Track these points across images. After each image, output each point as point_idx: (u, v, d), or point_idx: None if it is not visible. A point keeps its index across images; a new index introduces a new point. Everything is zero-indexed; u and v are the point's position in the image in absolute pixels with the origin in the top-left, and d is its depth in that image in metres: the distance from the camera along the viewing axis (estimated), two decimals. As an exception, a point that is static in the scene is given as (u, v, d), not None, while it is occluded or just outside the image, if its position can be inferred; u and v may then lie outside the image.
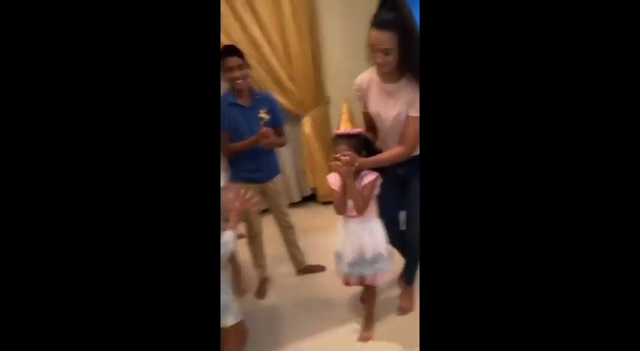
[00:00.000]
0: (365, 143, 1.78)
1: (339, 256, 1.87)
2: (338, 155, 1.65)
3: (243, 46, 2.77)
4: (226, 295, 1.47)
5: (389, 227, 1.92)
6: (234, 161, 2.13)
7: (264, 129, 1.99)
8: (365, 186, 1.74)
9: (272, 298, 2.34)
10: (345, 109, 1.78)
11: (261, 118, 2.01)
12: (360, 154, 1.70)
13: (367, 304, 2.02)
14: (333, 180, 1.77)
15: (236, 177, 2.13)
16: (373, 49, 1.57)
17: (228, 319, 1.47)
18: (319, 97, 3.20)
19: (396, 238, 1.99)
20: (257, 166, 2.17)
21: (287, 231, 2.41)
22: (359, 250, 1.80)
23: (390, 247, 1.88)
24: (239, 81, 2.04)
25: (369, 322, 1.97)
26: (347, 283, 1.90)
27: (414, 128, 1.67)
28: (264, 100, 2.14)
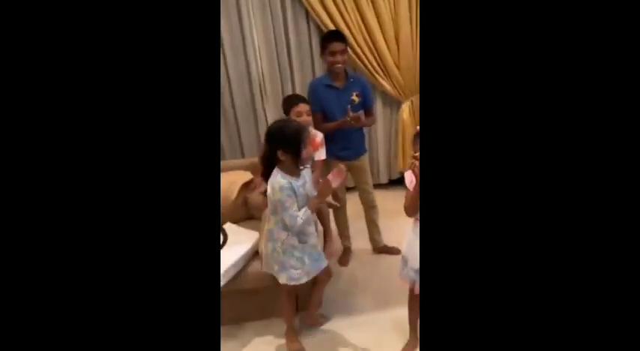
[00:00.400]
0: None
1: (404, 261, 1.76)
2: (417, 154, 1.53)
3: (358, 30, 2.91)
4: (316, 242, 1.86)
5: None
6: (328, 139, 2.30)
7: (352, 114, 2.12)
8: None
9: (353, 266, 2.54)
10: None
11: (352, 101, 2.17)
12: None
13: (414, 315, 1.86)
14: (409, 179, 1.62)
15: (328, 154, 2.30)
16: None
17: (323, 262, 1.88)
18: (418, 86, 3.24)
19: None
20: (346, 144, 2.34)
21: (370, 209, 2.57)
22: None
23: None
24: (339, 65, 2.20)
25: (413, 339, 1.87)
26: (413, 290, 1.76)
27: None
28: (356, 83, 2.30)
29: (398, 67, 3.11)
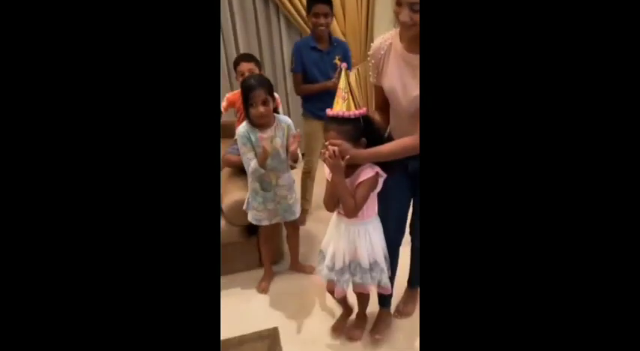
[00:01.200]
0: (367, 129, 1.43)
1: (323, 257, 1.65)
2: (327, 142, 1.38)
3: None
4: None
5: (395, 231, 1.67)
6: (307, 99, 2.47)
7: (336, 76, 2.22)
8: (360, 184, 1.43)
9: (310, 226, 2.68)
10: (344, 82, 1.38)
11: (336, 65, 2.29)
12: (356, 143, 1.40)
13: (359, 309, 1.85)
14: (327, 170, 1.45)
15: (307, 112, 2.48)
16: (399, 2, 1.24)
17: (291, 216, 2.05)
18: (365, 54, 3.39)
19: (397, 241, 1.73)
20: (325, 105, 2.44)
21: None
22: (352, 256, 1.55)
23: (387, 254, 1.62)
24: (322, 27, 2.29)
25: (358, 323, 1.85)
26: (331, 291, 1.67)
27: None
28: (339, 47, 2.43)
29: (344, 34, 3.23)
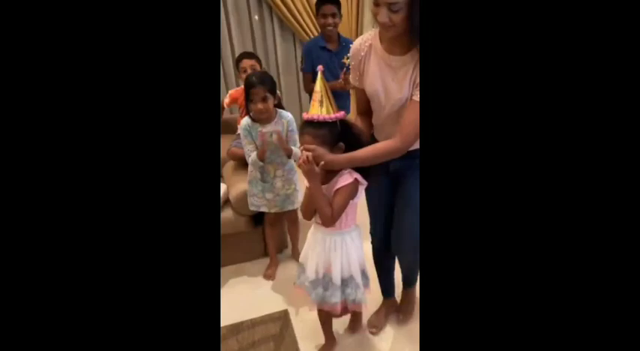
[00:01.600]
0: (345, 133, 1.35)
1: (302, 268, 1.54)
2: (302, 147, 1.32)
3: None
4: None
5: (377, 239, 1.66)
6: None
7: (345, 76, 2.30)
8: (337, 191, 1.34)
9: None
10: (320, 84, 1.32)
11: (344, 64, 2.34)
12: (333, 148, 1.32)
13: (324, 328, 1.70)
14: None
15: None
16: (377, 2, 1.17)
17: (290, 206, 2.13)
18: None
19: (383, 251, 1.71)
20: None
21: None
22: (325, 269, 1.45)
23: (366, 268, 1.53)
24: (330, 28, 2.37)
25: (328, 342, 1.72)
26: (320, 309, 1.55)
27: (416, 117, 1.22)
28: (348, 47, 2.49)
29: (336, 34, 3.35)
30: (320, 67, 1.35)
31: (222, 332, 1.87)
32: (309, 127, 1.33)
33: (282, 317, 1.95)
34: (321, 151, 1.30)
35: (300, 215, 1.75)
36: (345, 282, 1.44)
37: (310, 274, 1.47)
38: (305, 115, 1.34)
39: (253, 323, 1.92)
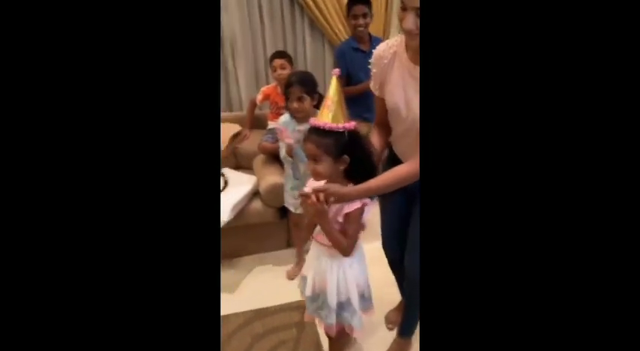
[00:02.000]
0: (352, 145, 1.22)
1: (304, 279, 1.46)
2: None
3: (329, 2, 3.17)
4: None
5: (390, 256, 1.58)
6: (351, 102, 2.53)
7: None
8: (347, 218, 1.24)
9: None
10: (334, 90, 1.21)
11: None
12: (337, 160, 1.21)
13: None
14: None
15: (353, 116, 2.53)
16: (404, 6, 1.06)
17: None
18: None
19: (397, 273, 1.60)
20: (369, 106, 2.56)
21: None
22: (320, 288, 1.36)
23: (368, 291, 1.42)
24: (361, 28, 2.40)
25: None
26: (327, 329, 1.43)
27: None
28: None
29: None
30: (336, 71, 1.24)
31: (248, 316, 1.98)
32: (314, 134, 1.21)
33: (304, 306, 2.04)
34: (334, 188, 1.18)
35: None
36: (342, 305, 1.35)
37: (307, 289, 1.40)
38: (312, 121, 1.24)
39: (277, 309, 2.02)
